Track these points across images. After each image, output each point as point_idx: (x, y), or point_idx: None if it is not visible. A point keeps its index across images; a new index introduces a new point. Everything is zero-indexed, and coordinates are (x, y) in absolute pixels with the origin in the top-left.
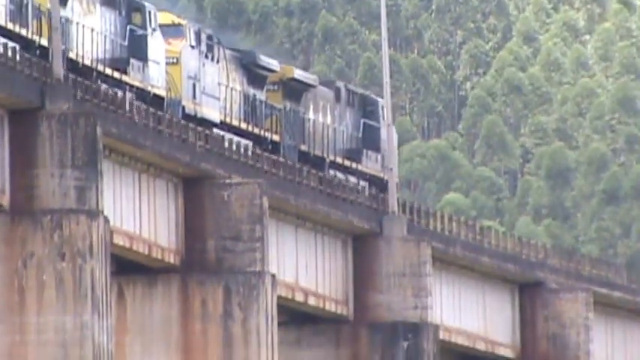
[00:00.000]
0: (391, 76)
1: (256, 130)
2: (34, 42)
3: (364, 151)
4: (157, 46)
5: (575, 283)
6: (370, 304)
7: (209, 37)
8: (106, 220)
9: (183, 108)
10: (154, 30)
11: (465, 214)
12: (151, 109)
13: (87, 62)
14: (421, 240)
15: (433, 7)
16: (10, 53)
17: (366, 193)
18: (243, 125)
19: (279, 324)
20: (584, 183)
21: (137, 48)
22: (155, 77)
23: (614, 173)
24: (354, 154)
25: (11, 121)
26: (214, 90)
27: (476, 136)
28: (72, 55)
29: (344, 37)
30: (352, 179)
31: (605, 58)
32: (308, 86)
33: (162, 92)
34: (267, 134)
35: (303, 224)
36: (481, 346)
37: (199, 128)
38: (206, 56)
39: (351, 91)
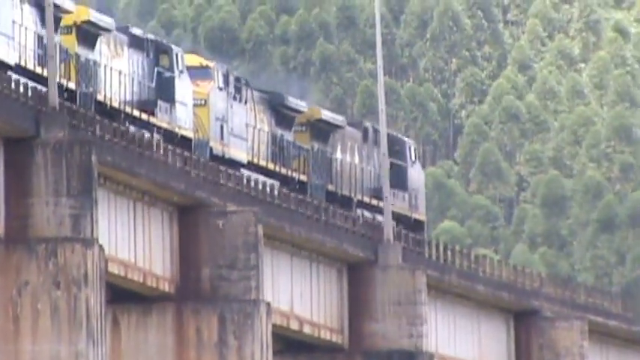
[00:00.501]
0: (388, 105)
1: (284, 171)
2: (61, 86)
3: (391, 190)
4: (184, 87)
5: (571, 311)
6: (365, 332)
7: (237, 79)
8: (101, 248)
9: (211, 149)
10: (181, 72)
11: (460, 243)
12: (145, 137)
13: (115, 104)
14: (416, 268)
15: (428, 35)
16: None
17: (361, 221)
18: (271, 165)
19: (274, 352)
20: (579, 211)
21: (164, 90)
22: (182, 119)
23: (610, 201)
24: (381, 193)
25: (6, 149)
26: (242, 131)
27: (471, 165)
28: (100, 97)
29: (340, 65)
30: (380, 218)
31: (601, 86)
32: (335, 127)
33: (189, 134)
34: (294, 174)
35: (298, 252)
36: None
37: (194, 156)
38: (234, 97)
39: (378, 131)
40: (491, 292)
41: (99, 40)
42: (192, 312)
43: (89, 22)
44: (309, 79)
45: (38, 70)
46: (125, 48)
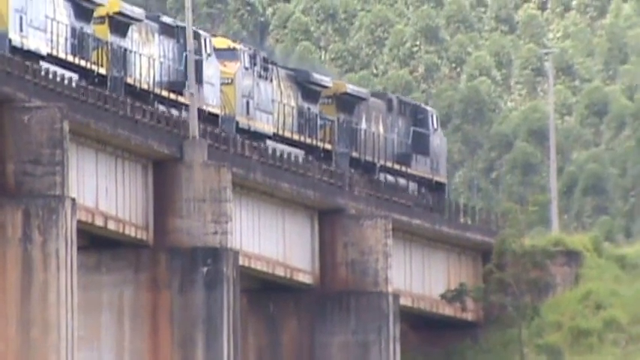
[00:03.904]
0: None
1: (309, 141)
2: (92, 71)
3: (413, 155)
4: (211, 69)
5: (375, 210)
6: (170, 228)
7: (264, 60)
8: None
9: (237, 123)
10: (208, 55)
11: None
12: None
13: (144, 86)
14: (221, 165)
15: None
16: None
17: (166, 118)
18: (296, 136)
19: (79, 248)
20: None
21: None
22: (210, 97)
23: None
24: (403, 159)
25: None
26: (267, 106)
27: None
28: (130, 80)
29: None
30: (402, 180)
31: None
32: (360, 99)
33: (216, 110)
34: (319, 144)
35: (103, 149)
36: (280, 272)
37: None
38: (260, 76)
39: (403, 101)
40: (296, 189)
41: (130, 28)
42: None
43: (120, 13)
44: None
45: (70, 58)
46: (156, 35)
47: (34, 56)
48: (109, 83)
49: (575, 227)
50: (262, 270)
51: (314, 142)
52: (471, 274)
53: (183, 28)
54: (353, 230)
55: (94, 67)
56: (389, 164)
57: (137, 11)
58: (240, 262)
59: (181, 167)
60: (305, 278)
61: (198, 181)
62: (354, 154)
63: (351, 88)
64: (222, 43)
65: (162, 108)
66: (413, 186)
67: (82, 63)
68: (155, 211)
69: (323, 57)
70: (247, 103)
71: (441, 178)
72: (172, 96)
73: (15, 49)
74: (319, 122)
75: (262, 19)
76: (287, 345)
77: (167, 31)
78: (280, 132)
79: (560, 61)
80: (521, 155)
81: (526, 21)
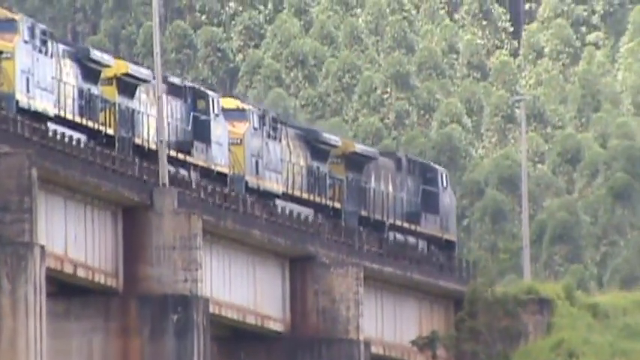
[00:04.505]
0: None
1: (318, 200)
2: (100, 132)
3: (423, 214)
4: (219, 129)
5: (346, 258)
6: (140, 276)
7: (273, 119)
8: None
9: (247, 182)
10: (216, 115)
11: None
12: None
13: (152, 147)
14: (192, 213)
15: None
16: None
17: (137, 165)
18: (305, 195)
19: (48, 295)
20: None
21: (200, 132)
22: (218, 156)
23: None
24: (413, 217)
25: None
26: (277, 165)
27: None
28: (138, 140)
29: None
30: (411, 239)
31: (377, 32)
32: (369, 158)
33: (225, 169)
34: (328, 202)
35: (72, 196)
36: (251, 320)
37: None
38: (269, 135)
39: (412, 160)
40: (267, 237)
41: (138, 89)
42: None
43: (128, 75)
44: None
45: (77, 119)
46: (164, 95)
47: (42, 117)
48: (116, 144)
49: (547, 276)
50: (233, 318)
51: (323, 201)
52: (443, 322)
53: (192, 88)
54: (324, 278)
55: (102, 128)
56: (398, 223)
57: (145, 72)
58: (211, 310)
59: (151, 214)
60: (276, 326)
61: (169, 229)
62: (363, 213)
63: (360, 147)
64: (230, 103)
65: (170, 168)
66: (422, 244)
67: (90, 124)
68: (125, 258)
69: (294, 104)
70: (256, 162)
71: (451, 237)
72: (180, 156)
73: (22, 111)
74: (328, 181)
75: (232, 65)
76: None
77: (174, 91)
78: (289, 191)
79: (532, 108)
80: (492, 203)
81: (498, 68)
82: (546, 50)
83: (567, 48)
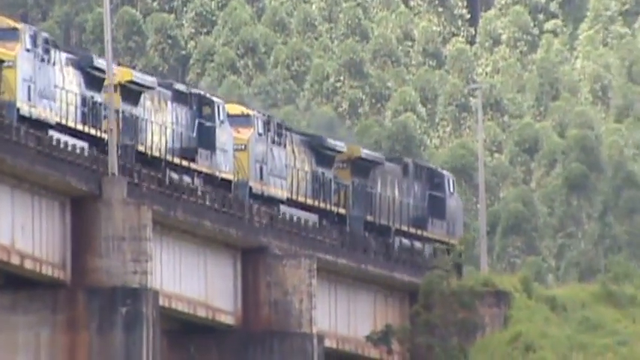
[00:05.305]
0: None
1: (322, 205)
2: (103, 139)
3: (430, 219)
4: (224, 135)
5: (299, 249)
6: (89, 268)
7: (278, 125)
8: None
9: (251, 188)
10: (222, 122)
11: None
12: None
13: (155, 154)
14: (141, 203)
15: None
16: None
17: (86, 154)
18: (310, 201)
19: None
20: None
21: (205, 138)
22: (222, 163)
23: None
24: (420, 223)
25: None
26: (281, 171)
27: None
28: (141, 147)
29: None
30: (418, 244)
31: (330, 19)
32: (375, 163)
33: (229, 176)
34: (333, 208)
35: (19, 185)
36: (202, 313)
37: None
38: (273, 141)
39: (419, 165)
40: (219, 228)
41: (142, 96)
42: None
43: (132, 82)
44: None
45: (79, 127)
46: (168, 102)
47: (43, 125)
48: (120, 151)
49: (503, 268)
50: (183, 310)
51: (328, 207)
52: (398, 315)
53: (197, 95)
54: (276, 270)
55: (105, 135)
56: (404, 228)
57: (149, 79)
58: (161, 303)
59: (100, 205)
60: (227, 319)
61: (118, 219)
62: (369, 218)
63: (365, 152)
64: (235, 109)
65: (174, 175)
66: (429, 249)
67: (93, 131)
68: (73, 249)
69: (247, 91)
70: (261, 168)
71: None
72: (185, 163)
73: (23, 119)
74: (333, 187)
75: (184, 52)
76: None
77: (179, 98)
78: (294, 197)
79: (488, 97)
80: None
81: (454, 55)
82: (503, 38)
83: (525, 35)
